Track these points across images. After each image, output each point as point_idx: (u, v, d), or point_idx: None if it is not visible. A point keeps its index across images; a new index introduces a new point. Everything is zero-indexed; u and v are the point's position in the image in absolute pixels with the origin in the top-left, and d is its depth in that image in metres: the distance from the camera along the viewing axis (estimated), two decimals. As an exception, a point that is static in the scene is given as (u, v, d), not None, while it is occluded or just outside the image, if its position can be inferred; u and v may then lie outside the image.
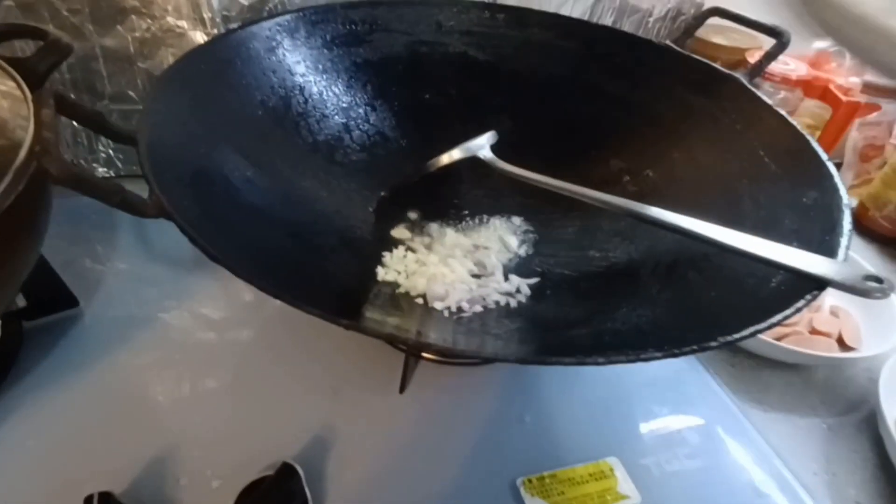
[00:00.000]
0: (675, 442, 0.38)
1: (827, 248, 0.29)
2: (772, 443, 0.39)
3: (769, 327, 0.24)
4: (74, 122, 0.51)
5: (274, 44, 0.47)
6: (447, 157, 0.44)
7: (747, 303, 0.28)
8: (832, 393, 0.44)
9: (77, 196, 0.27)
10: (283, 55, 0.47)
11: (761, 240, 0.29)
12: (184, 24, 0.53)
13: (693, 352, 0.22)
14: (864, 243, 0.60)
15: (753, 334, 0.23)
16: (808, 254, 0.27)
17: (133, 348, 0.41)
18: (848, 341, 0.45)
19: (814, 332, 0.45)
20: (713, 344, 0.23)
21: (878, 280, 0.25)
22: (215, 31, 0.54)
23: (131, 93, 0.54)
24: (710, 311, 0.29)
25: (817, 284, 0.26)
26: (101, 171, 0.57)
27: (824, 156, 0.35)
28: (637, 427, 0.39)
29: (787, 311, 0.24)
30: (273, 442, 0.35)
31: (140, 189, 0.29)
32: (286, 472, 0.31)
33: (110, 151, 0.56)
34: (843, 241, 0.29)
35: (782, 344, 0.42)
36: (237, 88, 0.43)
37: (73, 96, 0.52)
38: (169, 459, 0.34)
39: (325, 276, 0.37)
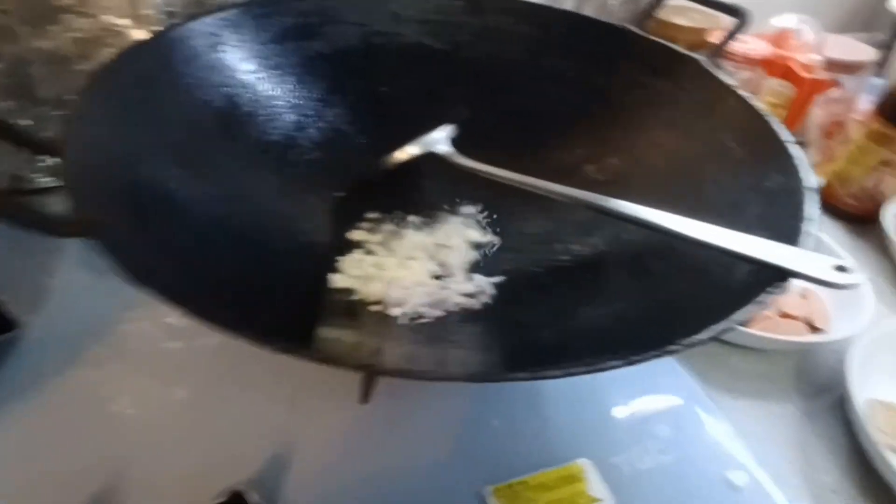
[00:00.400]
0: (646, 436, 0.37)
1: (792, 234, 0.28)
2: (745, 431, 0.38)
3: (732, 327, 0.22)
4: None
5: (217, 40, 0.44)
6: (403, 154, 0.42)
7: (712, 297, 0.27)
8: (803, 377, 0.43)
9: None
10: (229, 52, 0.45)
11: (725, 230, 0.28)
12: (123, 21, 0.50)
13: (653, 357, 0.21)
14: (832, 221, 0.60)
15: (715, 336, 0.22)
16: (773, 243, 0.26)
17: (85, 365, 0.39)
18: (817, 324, 0.44)
19: (783, 315, 0.45)
20: (673, 348, 0.22)
21: (844, 269, 0.24)
22: (158, 28, 0.51)
23: (71, 96, 0.51)
24: (674, 306, 0.28)
25: (781, 276, 0.25)
26: (45, 180, 0.54)
27: (788, 137, 0.34)
28: (607, 424, 0.38)
29: (751, 308, 0.23)
30: (227, 464, 0.33)
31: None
32: (235, 501, 0.29)
33: (55, 160, 0.53)
34: (808, 227, 0.28)
35: (752, 331, 0.42)
36: (178, 89, 0.41)
37: (12, 104, 0.49)
38: (117, 485, 0.32)
39: (276, 291, 0.35)
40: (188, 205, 0.35)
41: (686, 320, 0.24)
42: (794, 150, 0.33)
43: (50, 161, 0.53)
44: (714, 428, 0.39)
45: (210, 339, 0.41)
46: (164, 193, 0.34)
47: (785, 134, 0.34)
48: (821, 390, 0.43)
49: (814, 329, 0.44)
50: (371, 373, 0.35)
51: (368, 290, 0.35)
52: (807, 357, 0.45)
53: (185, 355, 0.40)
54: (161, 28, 0.50)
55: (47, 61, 0.49)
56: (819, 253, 0.25)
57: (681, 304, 0.28)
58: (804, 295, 0.47)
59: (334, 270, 0.37)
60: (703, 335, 0.22)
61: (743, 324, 0.23)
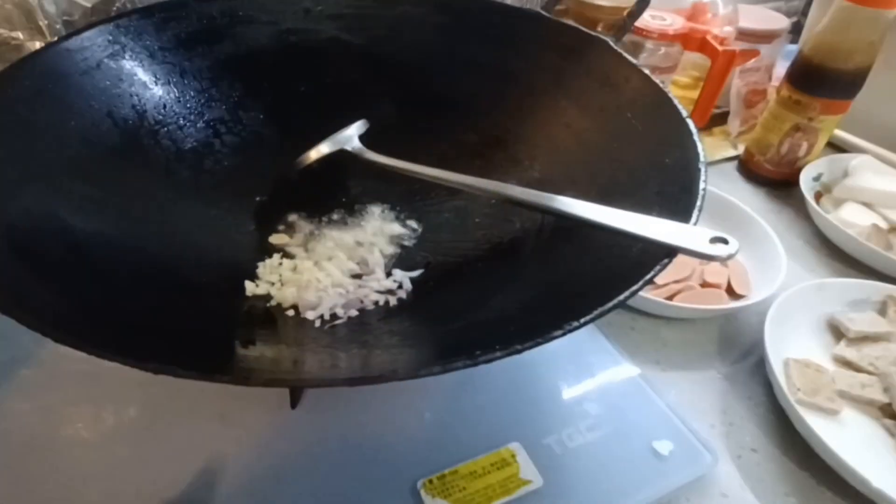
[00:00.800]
0: (576, 415, 0.38)
1: (683, 209, 0.28)
2: (670, 402, 0.39)
3: (615, 306, 0.23)
4: None
5: (118, 48, 0.43)
6: (315, 153, 0.41)
7: (608, 277, 0.27)
8: (727, 342, 0.45)
9: None
10: (132, 59, 0.43)
11: (620, 211, 0.28)
12: (19, 34, 0.48)
13: (537, 345, 0.22)
14: (753, 188, 0.62)
15: (600, 316, 0.23)
16: (660, 221, 0.27)
17: (15, 391, 0.37)
18: (737, 289, 0.46)
19: (705, 284, 0.46)
20: (558, 333, 0.22)
21: (725, 241, 0.25)
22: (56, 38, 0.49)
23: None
24: (575, 289, 0.29)
25: (667, 252, 0.25)
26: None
27: (684, 112, 0.35)
28: (538, 406, 0.39)
29: (634, 287, 0.24)
30: (155, 484, 0.33)
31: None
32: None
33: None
34: (697, 201, 0.28)
35: (673, 302, 0.43)
36: (76, 103, 0.39)
37: None
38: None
39: (197, 306, 0.34)
40: (84, 230, 0.34)
41: (581, 303, 0.25)
42: (690, 125, 0.34)
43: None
44: (641, 401, 0.39)
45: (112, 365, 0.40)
46: (59, 221, 0.33)
47: (681, 109, 0.35)
48: (743, 354, 0.44)
49: (734, 295, 0.46)
50: (289, 387, 0.34)
51: (283, 295, 0.35)
52: (730, 322, 0.46)
53: (113, 378, 0.39)
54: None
55: (-61, 81, 0.47)
56: (701, 227, 0.26)
57: (580, 288, 0.28)
58: (724, 263, 0.48)
59: (251, 277, 0.37)
60: (590, 315, 0.22)
61: (630, 297, 0.23)
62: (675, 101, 0.36)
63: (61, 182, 0.34)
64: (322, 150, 0.41)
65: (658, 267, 0.25)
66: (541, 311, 0.27)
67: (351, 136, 0.42)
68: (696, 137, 0.33)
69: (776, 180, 0.60)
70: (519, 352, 0.21)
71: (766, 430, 0.39)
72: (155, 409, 0.37)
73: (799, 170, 0.58)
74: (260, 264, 0.38)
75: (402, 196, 0.45)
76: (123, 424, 0.36)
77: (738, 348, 0.45)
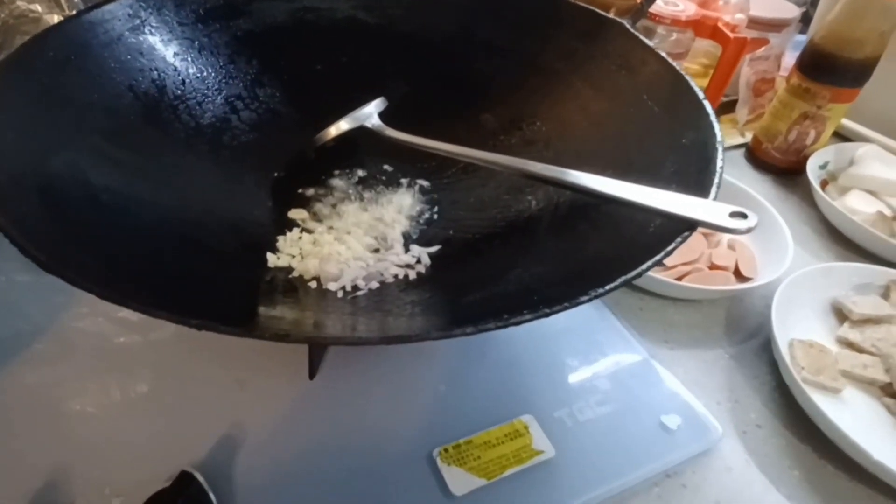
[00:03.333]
0: (587, 390, 0.39)
1: (701, 187, 0.29)
2: (679, 378, 0.41)
3: (639, 275, 0.24)
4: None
5: (138, 22, 0.43)
6: (335, 129, 0.42)
7: (627, 250, 0.28)
8: (733, 324, 0.46)
9: None
10: (151, 34, 0.44)
11: (639, 186, 0.29)
12: (37, 7, 0.48)
13: (564, 309, 0.22)
14: (760, 175, 0.63)
15: (623, 284, 0.23)
16: (679, 196, 0.28)
17: (31, 362, 0.38)
18: (745, 272, 0.47)
19: (713, 267, 0.47)
20: (584, 298, 0.23)
21: (744, 216, 0.26)
22: (74, 12, 0.49)
23: (-14, 89, 0.49)
24: (594, 262, 0.30)
25: (687, 225, 0.26)
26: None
27: (701, 95, 0.36)
28: (550, 381, 0.40)
29: (657, 257, 0.24)
30: (177, 449, 0.34)
31: None
32: (184, 481, 0.29)
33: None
34: (715, 178, 0.29)
35: (683, 283, 0.44)
36: (98, 75, 0.39)
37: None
38: (60, 481, 0.32)
39: (214, 272, 0.35)
40: (116, 195, 0.35)
41: (601, 275, 0.25)
42: (707, 107, 0.34)
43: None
44: (650, 378, 0.41)
45: (158, 333, 0.41)
46: (88, 185, 0.34)
47: (698, 91, 0.35)
48: (749, 335, 0.45)
49: (742, 278, 0.47)
50: (313, 343, 0.35)
51: (305, 267, 0.35)
52: (737, 304, 0.47)
53: (133, 349, 0.40)
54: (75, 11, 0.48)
55: (-42, 52, 0.47)
56: (720, 202, 0.26)
57: (599, 262, 0.29)
58: (731, 246, 0.49)
59: (272, 250, 0.38)
60: (614, 283, 0.23)
61: (652, 269, 0.24)
62: (693, 83, 0.36)
63: (88, 150, 0.35)
64: (342, 126, 0.42)
65: (679, 239, 0.25)
66: (562, 283, 0.28)
67: (370, 113, 0.42)
68: (713, 118, 0.33)
69: (783, 168, 0.61)
70: (547, 315, 0.22)
71: (770, 407, 0.40)
72: (172, 379, 0.38)
73: (806, 158, 0.59)
74: (280, 238, 0.39)
75: (419, 173, 0.45)
76: (141, 394, 0.37)
77: (744, 329, 0.46)
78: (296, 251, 0.37)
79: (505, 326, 0.21)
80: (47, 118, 0.34)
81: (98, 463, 0.33)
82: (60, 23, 0.40)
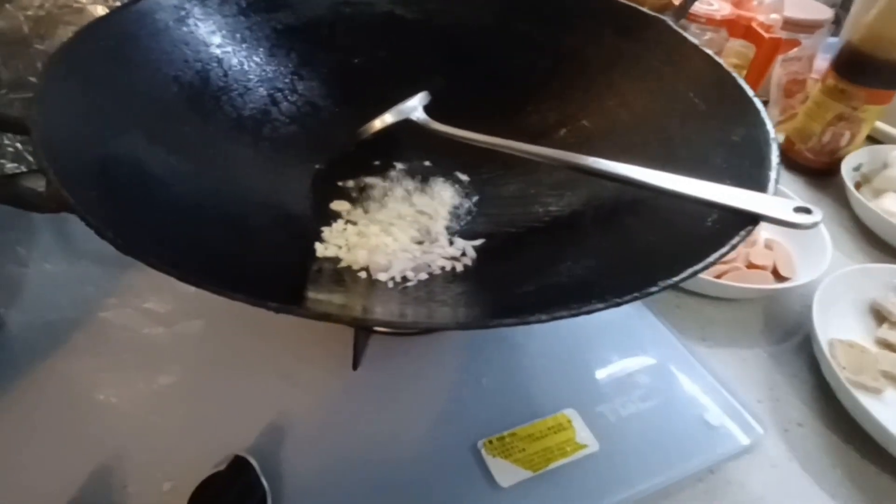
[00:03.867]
0: (628, 386, 0.39)
1: (756, 182, 0.29)
2: (718, 376, 0.40)
3: (707, 267, 0.24)
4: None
5: (183, 13, 0.43)
6: (379, 122, 0.42)
7: (684, 244, 0.28)
8: (771, 322, 0.46)
9: None
10: (195, 25, 0.44)
11: (696, 180, 0.29)
12: (81, -2, 0.49)
13: (635, 299, 0.22)
14: (792, 176, 0.62)
15: (692, 275, 0.24)
16: (740, 190, 0.28)
17: (70, 353, 0.38)
18: (782, 272, 0.47)
19: (750, 266, 0.47)
20: (654, 289, 0.23)
21: (808, 211, 0.26)
22: (118, 3, 0.50)
23: (32, 78, 0.50)
24: (649, 255, 0.30)
25: (751, 219, 0.26)
26: (11, 166, 0.52)
27: (751, 92, 0.35)
28: (591, 376, 0.40)
29: (724, 249, 0.24)
30: (226, 436, 0.34)
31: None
32: (239, 466, 0.30)
33: (18, 145, 0.52)
34: (772, 174, 0.29)
35: (722, 281, 0.44)
36: (145, 65, 0.40)
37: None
38: (114, 466, 0.33)
39: (261, 259, 0.35)
40: (166, 180, 0.35)
41: (660, 267, 0.26)
42: (757, 104, 0.34)
43: (10, 147, 0.52)
44: (691, 374, 0.41)
45: (192, 323, 0.41)
46: (140, 170, 0.34)
47: (747, 87, 0.35)
48: (787, 334, 0.45)
49: (779, 277, 0.47)
50: (365, 326, 0.35)
51: (354, 257, 0.35)
52: (773, 304, 0.47)
53: (170, 339, 0.40)
54: (123, 2, 0.49)
55: (4, 42, 0.48)
56: (782, 197, 0.26)
57: (655, 254, 0.29)
58: (769, 246, 0.49)
59: (319, 240, 0.38)
60: (683, 274, 0.23)
61: (717, 262, 0.24)
62: (740, 80, 0.36)
63: (140, 139, 0.35)
64: (387, 119, 0.42)
65: (743, 232, 0.25)
66: (619, 275, 0.28)
67: (415, 106, 0.42)
68: (764, 115, 0.33)
69: (816, 169, 0.61)
70: (618, 304, 0.22)
71: (811, 406, 0.40)
72: (216, 370, 0.38)
73: (840, 159, 0.58)
74: (325, 228, 0.39)
75: (458, 168, 0.46)
76: (186, 384, 0.37)
77: (782, 328, 0.45)
78: (342, 242, 0.37)
79: (577, 315, 0.22)
80: (101, 107, 0.35)
81: (148, 448, 0.34)
82: (111, 13, 0.41)
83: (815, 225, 0.25)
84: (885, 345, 0.43)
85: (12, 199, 0.23)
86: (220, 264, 0.30)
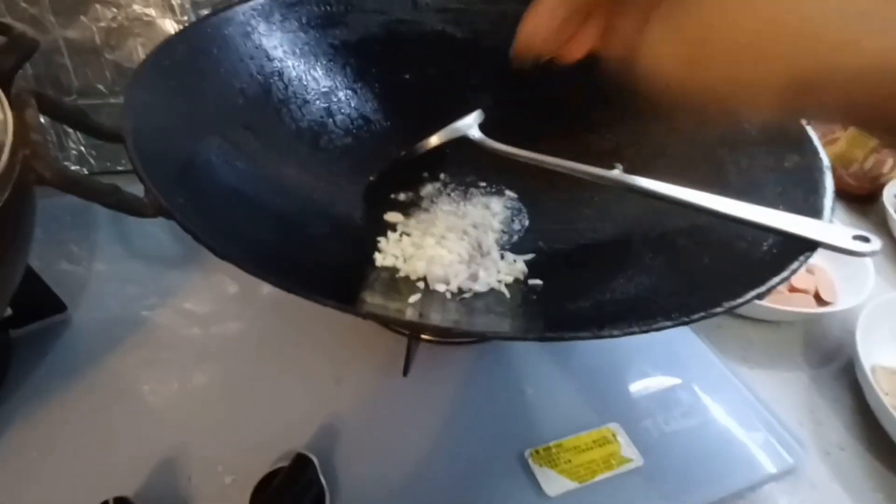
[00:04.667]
0: (670, 403, 0.40)
1: (811, 209, 0.30)
2: (759, 397, 0.41)
3: (769, 290, 0.25)
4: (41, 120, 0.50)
5: (249, 29, 0.46)
6: (436, 139, 0.43)
7: (741, 267, 0.29)
8: (812, 346, 0.46)
9: (49, 197, 0.26)
10: (260, 40, 0.46)
11: (753, 206, 0.30)
12: (151, 11, 0.51)
13: (701, 318, 0.24)
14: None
15: (755, 298, 0.25)
16: (797, 216, 0.28)
17: (124, 349, 0.40)
18: (824, 296, 0.47)
19: (792, 289, 0.47)
20: (719, 310, 0.24)
21: (866, 239, 0.26)
22: (185, 18, 0.52)
23: (100, 86, 0.52)
24: (705, 276, 0.31)
25: (809, 245, 0.27)
26: (74, 168, 0.55)
27: (803, 120, 0.36)
28: (634, 391, 0.41)
29: (784, 274, 0.25)
30: (281, 434, 0.36)
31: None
32: (301, 463, 0.31)
33: (82, 148, 0.54)
34: (827, 202, 0.30)
35: (764, 303, 0.44)
36: (216, 77, 0.42)
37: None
38: (176, 459, 0.34)
39: (322, 266, 0.37)
40: (235, 187, 0.37)
41: (717, 289, 0.27)
42: (809, 132, 0.35)
43: (75, 150, 0.54)
44: (732, 394, 0.41)
45: (231, 326, 0.43)
46: (214, 177, 0.36)
47: (801, 117, 0.36)
48: (827, 358, 0.45)
49: (821, 302, 0.47)
50: (427, 329, 0.36)
51: (412, 267, 0.37)
52: (814, 328, 0.48)
53: (224, 338, 0.42)
54: (190, 18, 0.51)
55: (77, 51, 0.50)
56: (840, 224, 0.27)
57: (711, 276, 0.30)
58: (811, 270, 0.49)
59: (375, 251, 0.39)
60: (746, 297, 0.24)
61: (777, 286, 0.25)
62: (793, 108, 0.37)
63: (212, 147, 0.37)
64: (443, 136, 0.43)
65: (802, 258, 0.26)
66: (676, 294, 0.29)
67: (471, 124, 0.44)
68: (816, 142, 0.34)
69: (857, 195, 0.61)
70: (686, 323, 0.23)
71: (852, 431, 0.40)
72: (269, 369, 0.40)
73: (881, 185, 0.59)
74: (381, 239, 0.41)
75: (508, 183, 0.47)
76: (243, 383, 0.39)
77: (823, 352, 0.46)
78: (398, 252, 0.39)
79: (647, 332, 0.23)
80: (179, 116, 0.37)
81: (208, 443, 0.35)
82: (186, 29, 0.43)
83: (874, 254, 0.26)
84: (928, 373, 0.43)
85: (119, 204, 0.25)
86: (293, 269, 0.31)
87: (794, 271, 0.26)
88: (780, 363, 0.45)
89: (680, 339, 0.45)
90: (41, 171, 0.23)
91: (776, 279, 0.25)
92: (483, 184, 0.47)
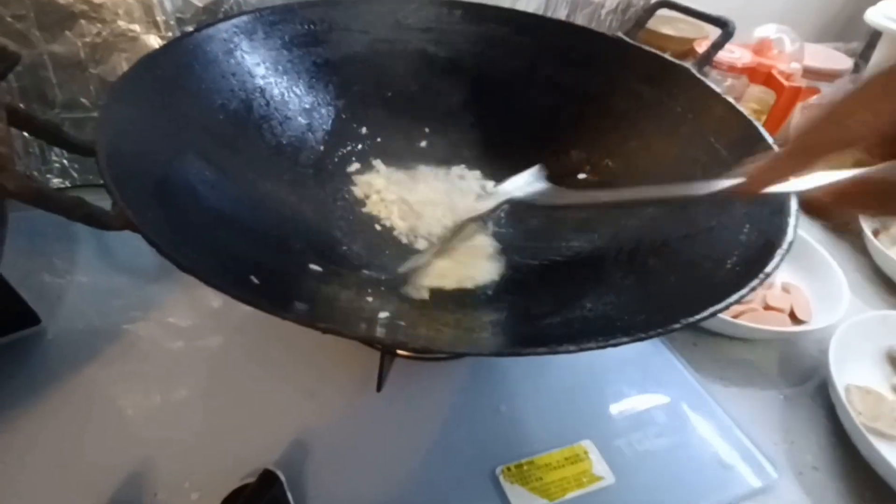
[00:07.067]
0: (644, 421, 0.40)
1: (776, 228, 0.31)
2: (733, 416, 0.41)
3: (727, 307, 0.25)
4: (25, 133, 0.50)
5: (232, 46, 0.46)
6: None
7: (705, 285, 0.29)
8: (787, 365, 0.46)
9: (31, 208, 0.26)
10: (242, 57, 0.47)
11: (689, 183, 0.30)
12: (136, 27, 0.52)
13: (658, 335, 0.24)
14: (810, 221, 0.63)
15: (713, 314, 0.25)
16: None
17: (101, 362, 0.40)
18: (799, 315, 0.47)
19: (768, 308, 0.47)
20: (676, 326, 0.24)
21: None
22: (169, 34, 0.53)
23: (84, 100, 0.52)
24: (671, 294, 0.31)
25: (763, 268, 0.27)
26: (56, 181, 0.55)
27: (770, 140, 0.37)
28: (608, 409, 0.41)
29: (742, 291, 0.26)
30: (252, 449, 0.35)
31: (99, 199, 0.28)
32: (268, 480, 0.31)
33: (64, 161, 0.54)
34: (791, 220, 0.30)
35: (740, 321, 0.45)
36: (196, 93, 0.42)
37: (23, 106, 0.50)
38: (144, 474, 0.34)
39: (299, 282, 0.37)
40: (212, 202, 0.37)
41: (681, 306, 0.27)
42: (777, 151, 0.36)
43: (57, 163, 0.54)
44: (706, 413, 0.41)
45: (212, 339, 0.42)
46: (191, 191, 0.36)
47: (768, 136, 0.37)
48: (803, 377, 0.46)
49: (796, 320, 0.47)
50: (395, 348, 0.36)
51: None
52: (791, 346, 0.48)
53: (195, 352, 0.42)
54: (175, 34, 0.52)
55: (62, 66, 0.51)
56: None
57: (677, 294, 0.31)
58: (786, 289, 0.50)
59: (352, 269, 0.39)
60: (704, 313, 0.24)
61: (736, 303, 0.25)
62: (762, 130, 0.38)
63: (190, 163, 0.38)
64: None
65: (762, 275, 0.27)
66: (642, 312, 0.29)
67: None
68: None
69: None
70: (642, 339, 0.23)
71: (827, 451, 0.40)
72: (244, 383, 0.40)
73: (858, 206, 0.59)
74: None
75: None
76: (214, 397, 0.39)
77: (798, 372, 0.46)
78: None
79: (603, 347, 0.23)
80: (157, 132, 0.37)
81: (176, 458, 0.35)
82: (168, 44, 0.44)
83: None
84: (902, 392, 0.44)
85: (86, 218, 0.25)
86: (266, 284, 0.31)
87: (753, 288, 0.26)
88: (756, 382, 0.45)
89: (656, 358, 0.45)
90: (5, 184, 0.23)
91: (734, 297, 0.25)
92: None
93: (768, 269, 0.27)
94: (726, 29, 0.48)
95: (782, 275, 0.51)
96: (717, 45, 0.47)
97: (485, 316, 0.35)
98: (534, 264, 0.41)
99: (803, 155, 0.22)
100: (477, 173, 0.51)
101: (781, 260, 0.27)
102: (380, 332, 0.33)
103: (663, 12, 0.58)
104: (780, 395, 0.44)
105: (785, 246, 0.28)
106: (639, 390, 0.42)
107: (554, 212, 0.44)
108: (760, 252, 0.29)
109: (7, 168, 0.24)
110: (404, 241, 0.44)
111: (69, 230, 0.50)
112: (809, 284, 0.50)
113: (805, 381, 0.45)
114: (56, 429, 0.36)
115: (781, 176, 0.24)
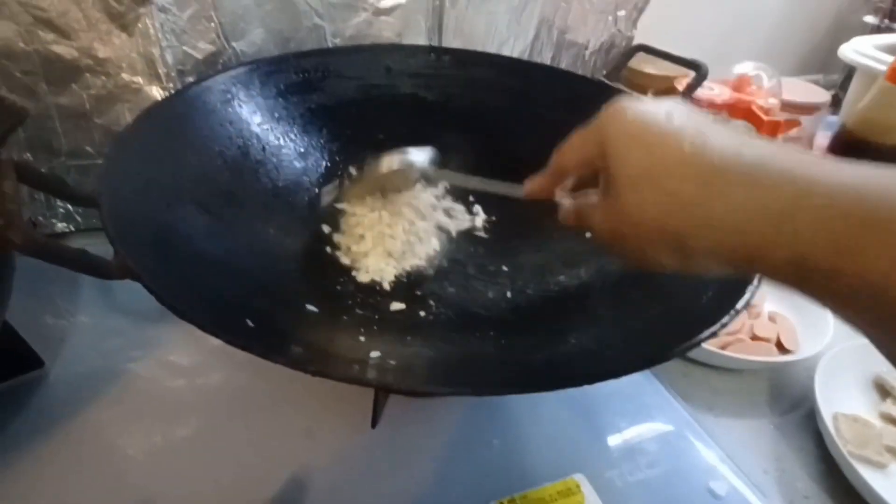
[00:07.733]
0: (636, 452, 0.41)
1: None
2: (724, 445, 0.42)
3: (697, 344, 0.26)
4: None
5: (229, 96, 0.48)
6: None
7: (682, 319, 0.31)
8: (776, 394, 0.47)
9: None
10: (239, 106, 0.49)
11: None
12: (139, 79, 0.54)
13: (641, 368, 0.25)
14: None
15: (691, 347, 0.26)
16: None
17: (102, 403, 0.41)
18: (786, 344, 0.48)
19: (755, 338, 0.48)
20: (659, 359, 0.25)
21: None
22: (171, 85, 0.55)
23: (88, 148, 0.54)
24: (651, 328, 0.32)
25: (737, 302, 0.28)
26: (61, 226, 0.56)
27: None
28: (600, 441, 0.41)
29: (714, 328, 0.27)
30: (250, 489, 0.36)
31: (102, 244, 0.29)
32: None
33: (69, 206, 0.56)
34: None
35: (727, 352, 0.45)
36: (195, 141, 0.44)
37: (29, 156, 0.52)
38: (143, 513, 0.34)
39: (296, 324, 0.38)
40: (210, 248, 0.39)
41: (661, 340, 0.28)
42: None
43: (62, 209, 0.56)
44: (697, 443, 0.42)
45: (212, 377, 0.43)
46: (189, 238, 0.38)
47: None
48: (792, 406, 0.46)
49: (783, 350, 0.48)
50: (386, 389, 0.37)
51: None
52: (778, 376, 0.49)
53: (193, 391, 0.42)
54: (176, 85, 0.54)
55: (67, 116, 0.53)
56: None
57: (656, 328, 0.32)
58: (773, 318, 0.51)
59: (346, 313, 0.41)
60: (678, 349, 0.25)
61: (710, 338, 0.26)
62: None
63: (188, 210, 0.39)
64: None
65: (733, 311, 0.28)
66: (623, 346, 0.31)
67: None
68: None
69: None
70: (626, 374, 0.24)
71: (817, 480, 0.41)
72: (242, 423, 0.40)
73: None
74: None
75: (484, 241, 0.49)
76: (211, 435, 0.39)
77: (787, 400, 0.47)
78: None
79: (590, 383, 0.24)
80: (157, 181, 0.39)
81: (175, 497, 0.35)
82: (168, 98, 0.46)
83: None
84: (890, 419, 0.44)
85: (88, 268, 0.27)
86: (261, 329, 0.32)
87: (724, 325, 0.27)
88: (746, 411, 0.45)
89: (648, 389, 0.46)
90: (12, 239, 0.25)
91: (706, 333, 0.26)
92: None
93: (738, 305, 0.28)
94: (700, 72, 0.50)
95: (769, 304, 0.52)
96: (692, 87, 0.50)
97: (472, 354, 0.36)
98: (527, 299, 0.43)
99: (552, 175, 0.33)
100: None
101: (752, 296, 0.28)
102: (370, 373, 0.34)
103: (643, 55, 0.60)
104: (770, 424, 0.45)
105: (755, 282, 0.29)
106: (630, 422, 0.43)
107: (540, 247, 0.45)
108: (736, 284, 0.30)
109: (15, 223, 0.25)
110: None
111: (71, 272, 0.51)
112: (795, 313, 0.51)
113: (795, 408, 0.46)
114: (57, 472, 0.36)
115: (546, 188, 0.33)
